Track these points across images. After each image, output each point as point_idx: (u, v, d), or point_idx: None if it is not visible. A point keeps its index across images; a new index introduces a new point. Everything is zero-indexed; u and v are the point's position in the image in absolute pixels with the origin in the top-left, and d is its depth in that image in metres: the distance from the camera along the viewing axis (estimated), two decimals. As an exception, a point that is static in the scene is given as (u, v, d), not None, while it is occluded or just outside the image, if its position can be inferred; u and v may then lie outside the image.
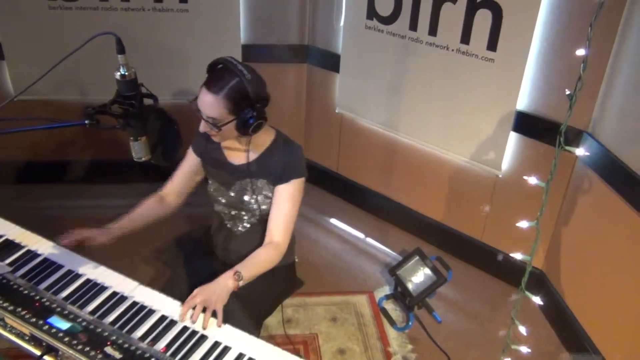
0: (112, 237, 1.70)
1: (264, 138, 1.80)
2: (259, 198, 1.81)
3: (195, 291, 1.53)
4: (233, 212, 1.88)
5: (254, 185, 1.80)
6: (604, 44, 2.12)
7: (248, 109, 1.62)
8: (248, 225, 1.90)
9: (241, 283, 1.61)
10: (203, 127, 1.67)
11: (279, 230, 1.77)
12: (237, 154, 1.82)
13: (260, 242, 1.80)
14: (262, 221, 1.87)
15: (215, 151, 1.85)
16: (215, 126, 1.63)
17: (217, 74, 1.64)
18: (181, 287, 1.85)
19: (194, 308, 1.49)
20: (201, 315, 1.48)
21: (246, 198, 1.82)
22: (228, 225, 1.92)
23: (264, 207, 1.83)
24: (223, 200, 1.87)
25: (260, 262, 1.71)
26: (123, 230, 1.75)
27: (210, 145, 1.84)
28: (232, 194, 1.84)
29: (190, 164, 1.92)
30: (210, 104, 1.61)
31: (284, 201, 1.78)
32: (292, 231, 1.81)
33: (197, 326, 1.45)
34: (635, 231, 1.99)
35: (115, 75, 1.34)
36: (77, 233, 1.65)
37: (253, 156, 1.79)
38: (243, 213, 1.87)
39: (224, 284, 1.57)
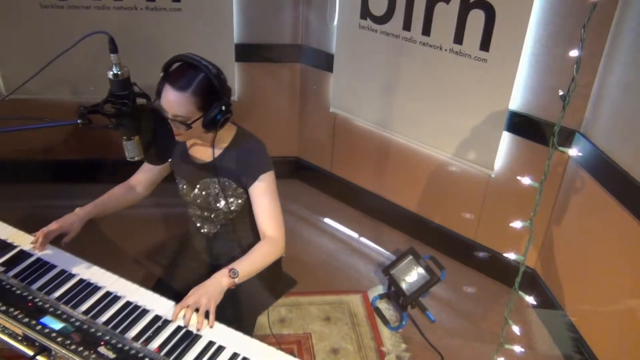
0: (81, 224, 1.71)
1: (226, 134, 1.76)
2: (227, 198, 1.79)
3: (191, 292, 1.51)
4: (204, 214, 1.86)
5: (220, 184, 1.77)
6: (596, 44, 2.13)
7: (216, 104, 1.60)
8: (219, 226, 1.88)
9: (237, 280, 1.57)
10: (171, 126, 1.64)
11: (268, 225, 1.74)
12: (201, 151, 1.79)
13: (238, 241, 1.78)
14: (233, 222, 1.85)
15: (180, 147, 1.81)
16: (184, 124, 1.60)
17: (181, 70, 1.61)
18: (174, 286, 1.85)
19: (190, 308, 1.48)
20: (196, 316, 1.47)
21: (212, 198, 1.80)
22: (202, 230, 1.91)
23: (232, 207, 1.80)
24: (190, 200, 1.86)
25: (257, 257, 1.68)
26: (91, 215, 1.75)
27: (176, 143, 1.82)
28: (198, 192, 1.81)
29: None
30: (177, 102, 1.58)
31: (261, 197, 1.74)
32: (282, 222, 1.77)
33: (191, 326, 1.45)
34: (627, 230, 2.00)
35: (108, 74, 1.33)
36: (46, 234, 1.64)
37: (216, 153, 1.76)
38: (212, 215, 1.85)
39: (218, 283, 1.54)
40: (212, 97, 1.60)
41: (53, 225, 1.66)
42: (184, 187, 1.85)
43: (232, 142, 1.77)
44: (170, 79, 1.60)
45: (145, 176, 1.92)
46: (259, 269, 1.68)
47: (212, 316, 1.47)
